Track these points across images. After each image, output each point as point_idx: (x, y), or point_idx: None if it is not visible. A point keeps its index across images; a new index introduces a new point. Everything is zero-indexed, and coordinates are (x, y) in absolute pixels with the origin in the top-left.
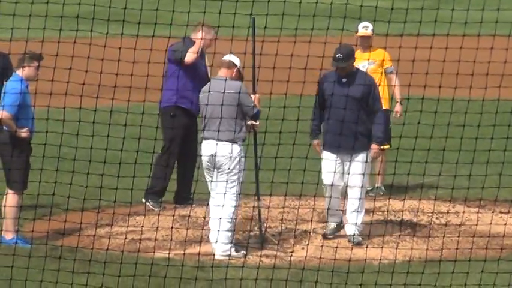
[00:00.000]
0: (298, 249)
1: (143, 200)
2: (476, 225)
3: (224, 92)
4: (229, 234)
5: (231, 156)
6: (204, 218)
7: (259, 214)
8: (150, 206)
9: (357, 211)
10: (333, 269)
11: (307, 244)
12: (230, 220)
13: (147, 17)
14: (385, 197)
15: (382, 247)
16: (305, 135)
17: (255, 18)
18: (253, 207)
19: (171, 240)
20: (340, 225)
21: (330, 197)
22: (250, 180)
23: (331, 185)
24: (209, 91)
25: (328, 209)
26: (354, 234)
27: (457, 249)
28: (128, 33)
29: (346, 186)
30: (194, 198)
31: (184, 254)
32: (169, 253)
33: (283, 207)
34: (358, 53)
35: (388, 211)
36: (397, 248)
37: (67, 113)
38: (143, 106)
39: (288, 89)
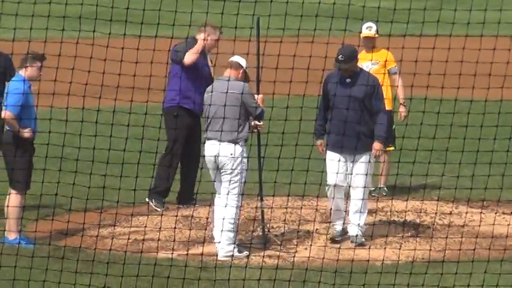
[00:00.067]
0: (301, 249)
1: (147, 200)
2: (479, 226)
3: (227, 92)
4: (232, 234)
5: (233, 157)
6: (207, 218)
7: (262, 215)
8: (153, 206)
9: (360, 212)
10: (336, 269)
11: (310, 245)
12: (233, 221)
13: (149, 17)
14: (388, 198)
15: (385, 248)
16: (308, 136)
17: (259, 18)
18: (256, 207)
19: (174, 240)
20: (344, 229)
21: (333, 198)
22: (253, 181)
23: (335, 186)
24: (212, 91)
25: (331, 209)
26: (356, 235)
27: (460, 250)
28: (131, 34)
29: (349, 187)
30: (197, 198)
31: (187, 254)
32: (172, 253)
33: (286, 208)
34: (362, 54)
35: (391, 212)
36: (400, 249)
37: (70, 113)
38: (146, 106)
39: (291, 89)
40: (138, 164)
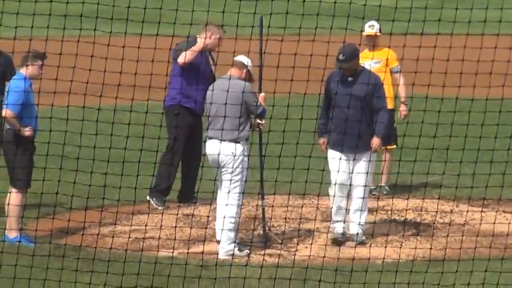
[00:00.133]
0: (301, 248)
1: (147, 198)
2: (480, 224)
3: (228, 91)
4: (233, 233)
5: (234, 156)
6: (208, 217)
7: (263, 213)
8: (154, 205)
9: (361, 210)
10: (336, 268)
11: (311, 243)
12: (234, 219)
13: (150, 15)
14: (389, 196)
15: (385, 246)
16: (309, 134)
17: (262, 17)
18: (257, 206)
19: (175, 239)
20: (345, 229)
21: (334, 196)
22: (253, 179)
23: (335, 184)
24: (213, 90)
25: (332, 208)
26: (357, 234)
27: (460, 248)
28: (132, 32)
29: (350, 185)
30: (198, 197)
31: (188, 252)
32: (172, 252)
33: (286, 206)
34: (364, 52)
35: (391, 210)
36: (400, 247)
37: (71, 112)
38: (147, 105)
39: (292, 88)
40: (139, 163)
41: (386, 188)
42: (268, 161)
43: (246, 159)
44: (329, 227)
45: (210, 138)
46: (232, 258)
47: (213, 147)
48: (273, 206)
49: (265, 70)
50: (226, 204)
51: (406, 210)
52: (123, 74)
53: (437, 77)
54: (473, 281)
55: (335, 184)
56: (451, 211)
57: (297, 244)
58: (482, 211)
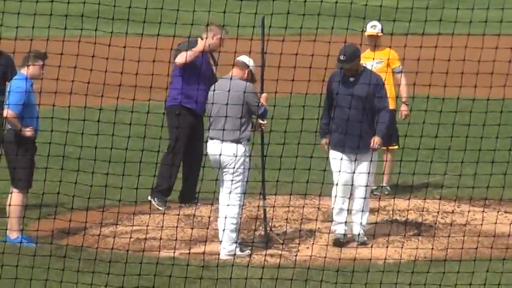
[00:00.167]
0: (303, 248)
1: (149, 198)
2: (482, 224)
3: (229, 91)
4: (235, 234)
5: (235, 157)
6: (209, 217)
7: (265, 213)
8: (155, 205)
9: (362, 211)
10: (338, 268)
11: (312, 243)
12: (235, 220)
13: (152, 15)
14: (390, 197)
15: (387, 246)
16: (310, 134)
17: (264, 17)
18: (259, 206)
19: (176, 239)
20: (347, 231)
21: (336, 196)
22: (255, 180)
23: (337, 184)
24: (214, 90)
25: (333, 209)
26: (359, 234)
27: (462, 248)
28: (133, 32)
29: (351, 186)
30: (199, 197)
31: (189, 253)
32: (174, 252)
33: (288, 207)
34: (366, 52)
35: (393, 210)
36: (402, 248)
37: (72, 112)
38: (148, 105)
39: (293, 88)
40: (140, 163)
41: (388, 188)
42: (269, 161)
43: (247, 159)
44: (330, 227)
45: (212, 138)
46: (234, 258)
47: (214, 148)
48: (274, 206)
49: (267, 70)
50: (228, 205)
51: (408, 210)
52: (124, 74)
53: (439, 77)
54: (474, 281)
55: (336, 184)
56: (453, 211)
57: (299, 244)
58: (483, 211)
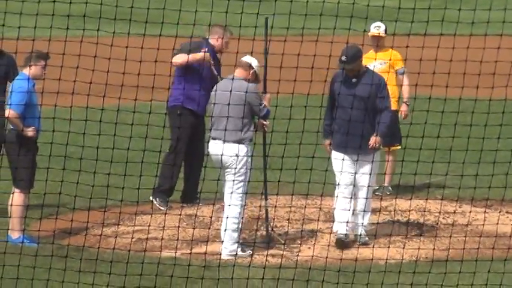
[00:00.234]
0: (304, 248)
1: (151, 198)
2: (483, 225)
3: (231, 92)
4: (236, 234)
5: (237, 157)
6: (211, 217)
7: (266, 213)
8: (157, 205)
9: (364, 211)
10: (339, 268)
11: (314, 244)
12: (237, 220)
13: (154, 16)
14: (392, 197)
15: (388, 247)
16: (312, 135)
17: (268, 18)
18: (260, 206)
19: (178, 239)
20: (349, 231)
21: (337, 197)
22: (257, 180)
23: (338, 185)
24: (216, 90)
25: (335, 209)
26: (360, 234)
27: (463, 249)
28: (135, 33)
29: (353, 186)
30: (201, 197)
31: (190, 253)
32: (175, 252)
33: (290, 207)
34: (370, 53)
35: (394, 211)
36: (403, 248)
37: (74, 112)
38: (150, 105)
39: (295, 88)
40: (142, 163)
41: (390, 188)
42: (271, 161)
43: (249, 159)
44: (332, 227)
45: (214, 138)
46: (235, 258)
47: (216, 148)
48: (276, 206)
49: (269, 70)
50: (229, 205)
51: (409, 210)
52: (126, 75)
53: (441, 78)
54: (476, 282)
55: (338, 185)
56: (454, 212)
57: (300, 245)
58: (485, 212)
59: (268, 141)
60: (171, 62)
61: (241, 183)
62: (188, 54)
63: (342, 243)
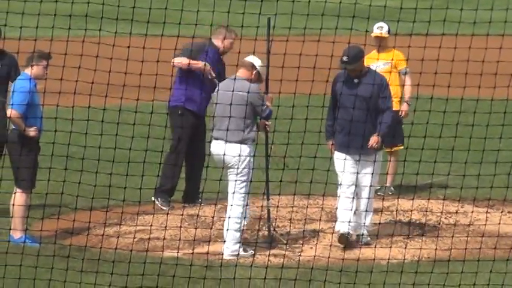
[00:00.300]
0: (306, 248)
1: (153, 198)
2: (485, 225)
3: (233, 92)
4: (238, 234)
5: (240, 157)
6: (213, 217)
7: (268, 213)
8: (159, 205)
9: (366, 211)
10: (341, 268)
11: (316, 243)
12: (239, 220)
13: (155, 16)
14: (394, 197)
15: (390, 247)
16: (314, 135)
17: (270, 18)
18: (262, 206)
19: (180, 239)
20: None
21: (339, 197)
22: (258, 180)
23: (340, 185)
24: (218, 90)
25: (337, 208)
26: (362, 234)
27: (465, 249)
28: (137, 32)
29: (356, 186)
30: (203, 197)
31: (192, 253)
32: (177, 252)
33: (291, 207)
34: (373, 53)
35: (396, 211)
36: (405, 248)
37: (76, 112)
38: (152, 105)
39: (297, 88)
40: (144, 163)
41: (392, 188)
42: (272, 161)
43: (252, 159)
44: (334, 227)
45: (216, 139)
46: (237, 258)
47: (219, 148)
48: (277, 206)
49: (271, 70)
50: (231, 205)
51: (411, 210)
52: (128, 75)
53: (442, 78)
54: (478, 282)
55: (341, 185)
56: (456, 212)
57: (302, 245)
58: (487, 212)
59: (270, 141)
60: (172, 62)
61: (244, 184)
62: (190, 55)
63: (346, 239)
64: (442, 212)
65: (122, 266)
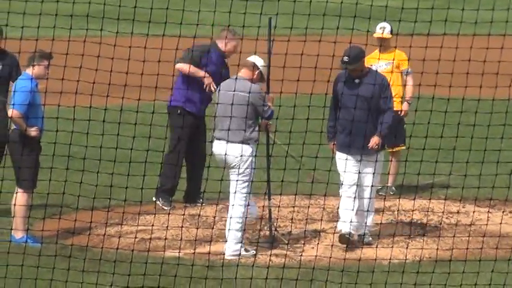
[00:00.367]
0: (308, 248)
1: (154, 199)
2: (487, 225)
3: (234, 92)
4: (240, 233)
5: (242, 157)
6: (214, 217)
7: (270, 213)
8: (160, 205)
9: (367, 211)
10: (343, 268)
11: (317, 243)
12: (240, 220)
13: (157, 16)
14: (395, 197)
15: (392, 247)
16: (315, 135)
17: (271, 18)
18: (264, 206)
19: (181, 239)
20: (352, 230)
21: (341, 197)
22: (260, 180)
23: (342, 184)
24: (219, 90)
25: (339, 208)
26: (364, 234)
27: (467, 249)
28: (138, 32)
29: (357, 186)
30: (204, 197)
31: (194, 253)
32: (179, 252)
33: (293, 207)
34: (375, 53)
35: (398, 211)
36: (407, 248)
37: (77, 112)
38: (153, 105)
39: (298, 88)
40: (145, 163)
41: (393, 188)
42: (274, 161)
43: (254, 160)
44: (335, 226)
45: (218, 139)
46: (239, 258)
47: (220, 148)
48: (279, 206)
49: (272, 70)
50: (233, 205)
51: (413, 210)
52: (130, 74)
53: (444, 78)
54: (479, 282)
55: (342, 185)
56: (458, 212)
57: (304, 244)
58: (488, 212)
59: (271, 140)
60: (174, 65)
61: (246, 184)
62: (191, 60)
63: (346, 239)
64: (443, 212)
65: (124, 266)
